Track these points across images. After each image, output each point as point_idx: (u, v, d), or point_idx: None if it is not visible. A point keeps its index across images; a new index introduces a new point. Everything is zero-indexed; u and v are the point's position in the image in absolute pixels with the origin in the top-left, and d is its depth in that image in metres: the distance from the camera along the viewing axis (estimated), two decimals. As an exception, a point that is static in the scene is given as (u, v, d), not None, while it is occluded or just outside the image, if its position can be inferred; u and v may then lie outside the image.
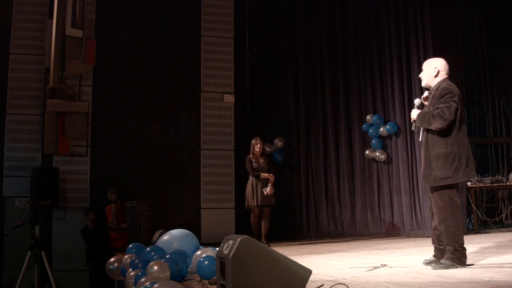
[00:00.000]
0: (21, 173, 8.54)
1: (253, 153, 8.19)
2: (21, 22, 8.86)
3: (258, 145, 8.17)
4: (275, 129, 10.01)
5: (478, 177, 8.87)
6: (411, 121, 4.60)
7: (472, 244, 6.35)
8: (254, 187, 8.01)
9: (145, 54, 9.45)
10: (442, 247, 4.37)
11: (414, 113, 4.51)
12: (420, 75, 4.68)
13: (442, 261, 4.21)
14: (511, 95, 9.81)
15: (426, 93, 4.65)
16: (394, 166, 9.32)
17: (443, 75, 4.49)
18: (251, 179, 8.09)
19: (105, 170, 8.94)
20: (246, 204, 8.11)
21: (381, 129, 9.40)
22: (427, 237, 8.22)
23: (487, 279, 3.51)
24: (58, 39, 8.19)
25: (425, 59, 8.65)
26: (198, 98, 9.63)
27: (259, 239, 7.79)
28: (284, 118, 10.13)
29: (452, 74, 8.85)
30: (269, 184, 7.97)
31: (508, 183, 8.94)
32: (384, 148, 9.47)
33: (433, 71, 4.51)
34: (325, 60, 10.12)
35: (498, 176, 9.13)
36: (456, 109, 4.22)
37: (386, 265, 4.63)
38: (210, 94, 9.67)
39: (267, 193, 7.91)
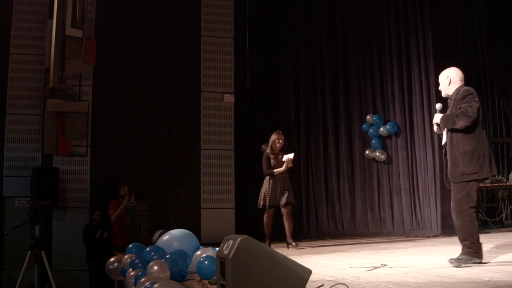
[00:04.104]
0: (21, 173, 8.54)
1: (271, 148, 7.44)
2: (21, 22, 8.86)
3: (280, 141, 7.42)
4: (275, 129, 9.95)
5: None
6: (434, 124, 4.71)
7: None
8: (271, 186, 7.28)
9: (145, 54, 9.45)
10: None
11: (437, 117, 4.63)
12: (439, 88, 4.86)
13: (460, 257, 4.28)
14: (511, 95, 9.80)
15: (438, 106, 4.77)
16: (394, 166, 9.32)
17: (457, 81, 4.65)
18: (267, 177, 7.38)
19: (105, 170, 8.94)
20: (261, 203, 7.36)
21: (381, 129, 9.40)
22: (427, 237, 8.24)
23: (487, 279, 3.51)
24: (58, 39, 8.19)
25: (425, 59, 8.79)
26: (198, 98, 9.63)
27: (271, 240, 7.40)
28: (284, 118, 10.12)
29: (452, 74, 8.84)
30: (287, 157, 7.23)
31: (508, 183, 8.94)
32: (384, 148, 9.47)
33: (446, 80, 4.70)
34: (325, 60, 10.12)
35: (498, 176, 9.12)
36: (479, 108, 4.40)
37: (386, 265, 4.62)
38: (210, 94, 9.67)
39: (288, 159, 7.18)
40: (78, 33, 8.35)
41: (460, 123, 4.38)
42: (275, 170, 7.29)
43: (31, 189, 8.30)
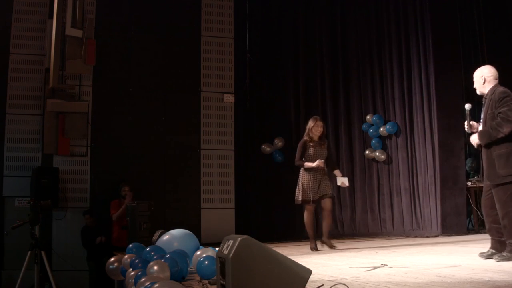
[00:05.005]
0: (21, 173, 8.54)
1: (309, 136, 6.65)
2: (21, 22, 8.86)
3: (319, 128, 6.62)
4: (275, 129, 10.01)
5: (478, 177, 8.88)
6: (474, 144, 4.69)
7: (472, 244, 6.36)
8: (311, 178, 6.55)
9: (145, 54, 9.45)
10: (503, 239, 4.49)
11: (475, 138, 4.64)
12: (474, 87, 4.89)
13: (504, 254, 4.36)
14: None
15: (468, 106, 4.84)
16: (394, 166, 9.32)
17: (491, 80, 4.69)
18: (304, 170, 6.65)
19: (105, 170, 8.94)
20: (299, 198, 6.66)
21: (381, 129, 9.40)
22: (427, 237, 8.24)
23: (487, 279, 3.51)
24: (58, 39, 8.19)
25: (425, 59, 8.79)
26: (198, 98, 9.63)
27: (313, 239, 6.70)
28: (284, 118, 10.13)
29: (452, 74, 8.89)
30: (338, 177, 6.63)
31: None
32: (384, 148, 9.47)
33: (481, 79, 4.74)
34: (325, 60, 10.12)
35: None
36: None
37: (386, 265, 4.62)
38: (210, 94, 9.67)
39: (343, 184, 6.63)
40: (78, 33, 8.35)
41: (505, 130, 4.39)
42: (306, 164, 6.54)
43: (31, 189, 8.30)
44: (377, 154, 9.43)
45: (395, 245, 7.14)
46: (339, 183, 6.69)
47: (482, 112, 4.71)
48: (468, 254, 5.27)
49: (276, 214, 9.70)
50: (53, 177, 8.44)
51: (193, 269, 4.65)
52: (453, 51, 8.67)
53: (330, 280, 3.77)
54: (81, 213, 8.63)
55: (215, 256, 3.65)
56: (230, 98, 9.73)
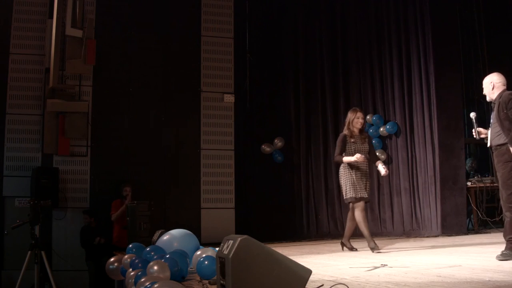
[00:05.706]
0: (21, 173, 8.54)
1: (348, 129, 6.30)
2: (21, 22, 8.86)
3: (360, 119, 6.28)
4: (275, 129, 10.01)
5: (478, 177, 8.88)
6: None
7: (472, 244, 6.36)
8: (356, 176, 6.18)
9: (145, 54, 9.45)
10: None
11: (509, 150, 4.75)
12: (483, 93, 5.06)
13: (505, 252, 4.47)
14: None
15: (473, 114, 5.08)
16: (394, 166, 9.32)
17: (500, 86, 4.85)
18: (346, 166, 6.23)
19: (105, 170, 8.94)
20: (350, 195, 6.20)
21: (381, 129, 9.40)
22: (427, 237, 8.24)
23: (487, 279, 3.51)
24: (58, 39, 8.20)
25: (425, 59, 8.79)
26: (198, 98, 9.63)
27: (371, 237, 6.19)
28: (284, 118, 10.12)
29: (452, 74, 8.87)
30: (379, 165, 6.23)
31: (508, 183, 8.91)
32: (384, 148, 9.47)
33: (490, 85, 4.89)
34: (325, 60, 10.12)
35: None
36: None
37: (386, 265, 4.62)
38: (210, 94, 9.67)
39: (385, 172, 6.23)
40: (78, 33, 8.36)
41: None
42: (344, 159, 6.15)
43: (31, 189, 8.30)
44: (377, 154, 9.42)
45: (395, 245, 7.14)
46: (380, 168, 6.31)
47: (491, 117, 4.87)
48: (468, 254, 5.28)
49: (276, 214, 9.69)
50: (53, 177, 8.45)
51: (193, 269, 4.65)
52: (453, 51, 8.67)
53: (330, 280, 3.77)
54: (81, 213, 8.63)
55: (215, 256, 3.65)
56: (230, 98, 9.72)
